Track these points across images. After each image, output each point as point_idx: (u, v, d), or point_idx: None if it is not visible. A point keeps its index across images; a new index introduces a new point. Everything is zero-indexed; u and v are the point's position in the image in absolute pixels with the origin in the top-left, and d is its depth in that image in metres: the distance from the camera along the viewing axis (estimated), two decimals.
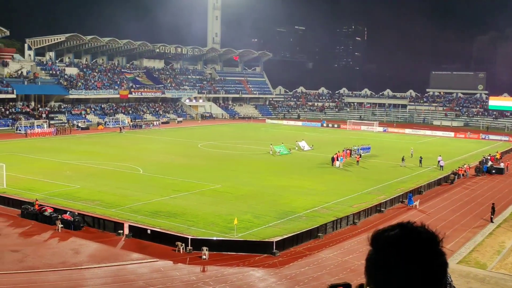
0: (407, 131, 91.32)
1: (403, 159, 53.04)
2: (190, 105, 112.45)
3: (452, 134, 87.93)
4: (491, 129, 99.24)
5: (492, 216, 32.86)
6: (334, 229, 29.63)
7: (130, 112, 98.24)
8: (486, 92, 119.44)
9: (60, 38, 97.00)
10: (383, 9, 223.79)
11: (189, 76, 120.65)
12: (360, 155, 55.92)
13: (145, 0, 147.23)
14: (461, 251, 26.74)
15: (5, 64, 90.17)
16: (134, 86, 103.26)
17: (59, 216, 29.09)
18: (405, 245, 1.75)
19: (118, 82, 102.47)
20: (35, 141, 65.98)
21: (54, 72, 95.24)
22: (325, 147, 63.46)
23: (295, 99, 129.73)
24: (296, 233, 27.57)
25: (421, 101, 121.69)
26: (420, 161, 52.68)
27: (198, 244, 25.36)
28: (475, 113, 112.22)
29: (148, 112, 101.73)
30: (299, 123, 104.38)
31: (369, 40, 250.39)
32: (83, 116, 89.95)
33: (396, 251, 1.74)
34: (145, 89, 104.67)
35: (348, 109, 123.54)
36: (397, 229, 1.79)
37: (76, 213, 29.81)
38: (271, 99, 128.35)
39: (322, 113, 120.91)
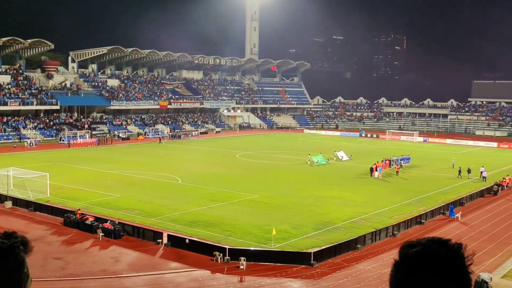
0: (448, 141, 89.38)
1: (469, 171, 51.22)
2: (228, 116, 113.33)
3: (495, 144, 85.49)
4: None
5: None
6: (373, 240, 29.19)
7: (170, 122, 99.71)
8: None
9: (102, 51, 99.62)
10: (423, 18, 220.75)
11: (227, 87, 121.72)
12: (401, 165, 55.04)
13: (184, 13, 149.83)
14: (506, 265, 25.91)
15: (50, 77, 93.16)
16: (173, 97, 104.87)
17: (100, 225, 29.71)
18: (422, 265, 1.71)
19: (158, 93, 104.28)
20: (77, 151, 67.70)
21: (96, 83, 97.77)
22: (364, 158, 62.75)
23: (333, 109, 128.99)
24: (334, 244, 27.30)
25: (463, 111, 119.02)
26: (469, 172, 51.21)
27: (235, 254, 25.41)
28: None
29: (187, 122, 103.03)
30: (337, 133, 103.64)
31: (408, 49, 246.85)
32: (124, 126, 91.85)
33: (413, 270, 1.71)
34: (184, 100, 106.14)
35: (387, 119, 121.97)
36: (419, 247, 1.74)
37: (117, 222, 30.39)
38: (309, 109, 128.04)
39: (360, 123, 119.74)
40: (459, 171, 51.58)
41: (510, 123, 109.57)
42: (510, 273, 24.85)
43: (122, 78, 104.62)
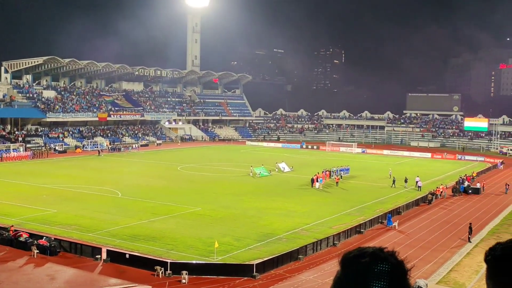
0: (385, 152, 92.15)
1: (406, 180, 53.29)
2: (169, 128, 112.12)
3: (429, 155, 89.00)
4: (466, 149, 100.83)
5: (469, 236, 33.16)
6: (314, 251, 29.57)
7: (109, 135, 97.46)
8: (461, 113, 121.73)
9: (37, 61, 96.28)
10: (360, 33, 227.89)
11: (169, 99, 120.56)
12: (341, 176, 56.24)
13: (124, 23, 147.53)
14: (440, 271, 26.88)
15: None
16: (113, 109, 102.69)
17: (35, 242, 28.50)
18: (373, 275, 1.76)
19: (97, 105, 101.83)
20: (11, 165, 64.91)
21: (31, 95, 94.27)
22: (305, 169, 63.66)
23: (274, 121, 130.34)
24: (276, 256, 27.43)
25: (399, 123, 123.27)
26: (406, 181, 53.24)
27: (177, 268, 25.05)
28: (451, 134, 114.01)
29: (127, 135, 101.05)
30: (279, 144, 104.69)
31: (346, 63, 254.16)
32: (61, 139, 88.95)
33: (364, 280, 1.76)
34: (124, 112, 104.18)
35: (327, 131, 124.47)
36: (367, 257, 1.80)
37: (53, 238, 29.25)
38: (251, 121, 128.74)
39: (301, 135, 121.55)
40: (393, 181, 53.53)
41: (443, 134, 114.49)
42: (444, 279, 25.81)
43: (59, 90, 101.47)
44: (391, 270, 1.78)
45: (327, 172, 56.54)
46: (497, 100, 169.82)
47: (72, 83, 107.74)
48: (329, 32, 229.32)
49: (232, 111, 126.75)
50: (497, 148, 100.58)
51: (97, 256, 27.30)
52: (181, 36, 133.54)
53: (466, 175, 58.53)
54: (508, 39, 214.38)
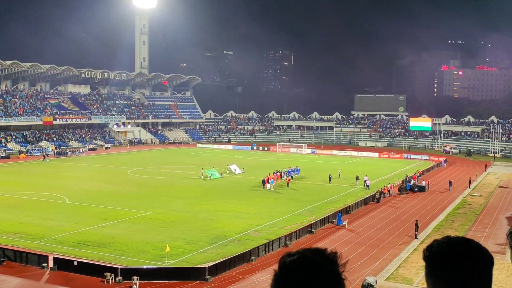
0: (335, 152, 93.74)
1: (357, 178, 55.17)
2: (118, 131, 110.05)
3: (376, 154, 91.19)
4: (412, 148, 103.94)
5: (416, 233, 34.18)
6: (266, 252, 29.69)
7: (55, 139, 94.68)
8: (407, 113, 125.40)
9: None
10: (309, 34, 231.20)
11: (117, 101, 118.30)
12: (291, 177, 56.78)
13: (70, 25, 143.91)
14: (389, 268, 27.55)
15: None
16: (58, 112, 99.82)
17: None
18: (301, 274, 1.79)
19: (41, 108, 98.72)
20: None
21: None
22: (256, 170, 63.89)
23: (225, 123, 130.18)
24: (228, 258, 27.39)
25: (347, 123, 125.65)
26: (357, 179, 55.34)
27: (128, 273, 24.59)
28: (397, 133, 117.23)
29: (74, 139, 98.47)
30: (230, 146, 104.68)
31: (296, 65, 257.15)
32: (3, 144, 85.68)
33: (292, 278, 1.79)
34: (71, 115, 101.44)
35: (277, 132, 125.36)
36: (296, 255, 1.83)
37: None
38: (201, 123, 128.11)
39: (252, 137, 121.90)
40: (330, 178, 55.17)
41: (389, 134, 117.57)
42: (393, 275, 26.48)
43: (0, 93, 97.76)
44: (316, 270, 1.80)
45: (278, 173, 56.96)
46: (440, 101, 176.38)
47: (15, 86, 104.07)
48: (278, 34, 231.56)
49: (182, 114, 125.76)
50: (440, 147, 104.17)
51: (43, 265, 26.44)
52: (129, 37, 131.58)
53: (416, 172, 60.29)
54: (449, 41, 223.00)
